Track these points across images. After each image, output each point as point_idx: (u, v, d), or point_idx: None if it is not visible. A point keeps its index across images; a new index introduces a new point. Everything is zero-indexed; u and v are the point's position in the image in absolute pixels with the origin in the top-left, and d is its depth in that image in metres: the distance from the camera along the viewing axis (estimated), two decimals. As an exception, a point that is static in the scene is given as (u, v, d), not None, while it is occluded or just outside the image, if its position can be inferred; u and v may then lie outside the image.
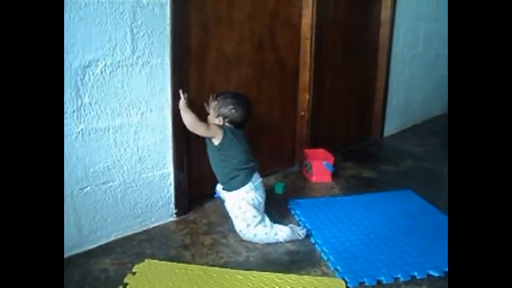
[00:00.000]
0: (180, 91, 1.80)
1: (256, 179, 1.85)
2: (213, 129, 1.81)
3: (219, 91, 1.94)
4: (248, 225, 1.77)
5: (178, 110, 1.80)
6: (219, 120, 1.86)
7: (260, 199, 1.83)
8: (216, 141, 1.81)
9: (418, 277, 1.55)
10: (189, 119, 1.79)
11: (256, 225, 1.77)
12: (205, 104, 1.94)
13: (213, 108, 1.88)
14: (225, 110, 1.85)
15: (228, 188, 1.85)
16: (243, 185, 1.81)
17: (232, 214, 1.83)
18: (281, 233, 1.78)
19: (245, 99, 1.91)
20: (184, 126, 1.81)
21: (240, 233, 1.80)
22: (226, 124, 1.86)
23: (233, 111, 1.85)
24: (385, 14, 3.18)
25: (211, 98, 1.92)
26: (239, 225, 1.79)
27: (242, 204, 1.79)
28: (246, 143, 1.88)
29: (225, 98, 1.87)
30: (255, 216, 1.77)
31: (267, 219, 1.82)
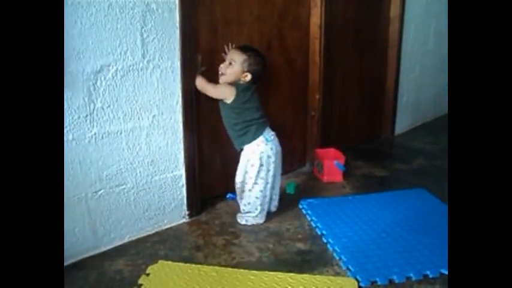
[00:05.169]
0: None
1: (268, 132, 1.90)
2: (221, 90, 1.85)
3: (240, 44, 1.96)
4: (250, 177, 1.87)
5: (189, 112, 1.83)
6: (244, 75, 1.85)
7: (270, 153, 1.87)
8: (229, 100, 1.84)
9: (430, 276, 1.55)
10: (197, 83, 1.86)
11: (256, 184, 1.87)
12: (223, 54, 1.96)
13: (240, 63, 1.85)
14: (255, 67, 1.86)
15: (241, 143, 1.89)
16: (255, 138, 1.86)
17: (240, 166, 1.90)
18: (251, 218, 1.92)
19: (262, 55, 1.93)
20: (195, 126, 1.87)
21: (237, 184, 1.91)
22: (240, 82, 1.87)
23: (259, 67, 1.88)
24: (394, 11, 3.17)
25: (231, 49, 1.94)
26: (242, 176, 1.89)
27: (251, 157, 1.86)
28: (258, 100, 1.91)
29: (256, 55, 1.88)
30: (258, 172, 1.86)
31: (269, 206, 1.96)
